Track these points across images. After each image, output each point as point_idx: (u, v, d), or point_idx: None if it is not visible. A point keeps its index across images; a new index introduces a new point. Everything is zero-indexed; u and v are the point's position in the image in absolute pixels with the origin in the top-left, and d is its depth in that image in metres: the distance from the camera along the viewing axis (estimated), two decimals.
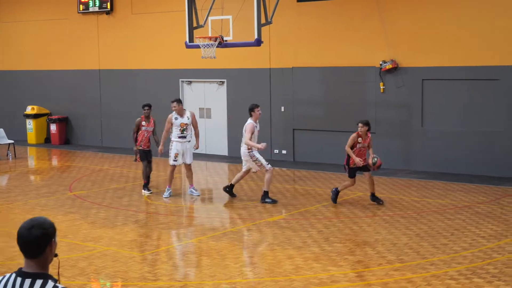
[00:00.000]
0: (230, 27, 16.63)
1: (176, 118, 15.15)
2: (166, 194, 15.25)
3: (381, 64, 18.40)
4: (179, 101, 15.23)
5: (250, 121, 14.44)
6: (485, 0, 17.00)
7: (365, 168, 13.93)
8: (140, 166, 16.74)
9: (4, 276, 3.96)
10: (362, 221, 12.63)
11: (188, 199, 15.36)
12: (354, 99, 19.14)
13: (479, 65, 17.15)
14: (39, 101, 25.75)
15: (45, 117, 25.49)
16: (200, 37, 16.57)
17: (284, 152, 20.58)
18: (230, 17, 16.79)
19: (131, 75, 23.74)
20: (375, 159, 13.77)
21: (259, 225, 12.48)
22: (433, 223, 12.40)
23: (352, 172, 13.96)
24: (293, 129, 20.40)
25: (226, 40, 16.37)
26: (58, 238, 4.02)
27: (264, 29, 16.55)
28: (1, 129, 22.29)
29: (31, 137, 25.51)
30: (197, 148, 15.50)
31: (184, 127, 15.13)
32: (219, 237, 11.69)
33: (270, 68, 20.64)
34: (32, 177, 18.94)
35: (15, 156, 21.81)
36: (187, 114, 15.23)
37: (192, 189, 15.52)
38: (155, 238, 11.85)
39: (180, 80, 22.61)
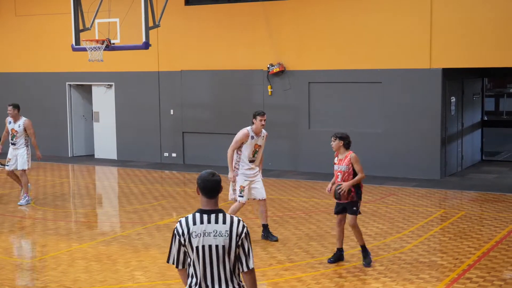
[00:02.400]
0: (118, 30, 16.46)
1: (9, 123, 14.75)
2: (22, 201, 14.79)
3: (268, 67, 18.66)
4: (15, 106, 14.70)
5: (246, 128, 11.38)
6: (368, 7, 17.56)
7: (349, 207, 9.87)
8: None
9: (187, 216, 5.10)
10: (252, 222, 12.75)
11: (78, 205, 15.06)
12: (243, 102, 19.32)
13: (362, 69, 17.71)
14: None
15: None
16: (86, 40, 16.28)
17: (174, 155, 20.52)
18: (117, 19, 16.60)
19: (16, 79, 23.02)
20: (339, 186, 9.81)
21: (149, 229, 12.39)
22: (321, 222, 12.69)
23: (335, 207, 10.14)
24: (183, 132, 20.38)
25: (113, 43, 16.19)
26: None
27: (152, 32, 16.44)
28: None
29: None
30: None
31: (14, 134, 14.68)
32: (109, 241, 11.54)
33: (158, 71, 20.53)
34: None
35: None
36: (20, 121, 14.64)
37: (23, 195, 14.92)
38: (43, 245, 11.55)
39: (67, 83, 22.14)
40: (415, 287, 8.95)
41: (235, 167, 11.19)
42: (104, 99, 21.69)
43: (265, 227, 11.51)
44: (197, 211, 5.09)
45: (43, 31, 22.25)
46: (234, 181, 11.18)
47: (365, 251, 9.93)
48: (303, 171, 18.39)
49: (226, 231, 5.01)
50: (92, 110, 22.16)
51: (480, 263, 9.98)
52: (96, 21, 16.71)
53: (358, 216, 9.98)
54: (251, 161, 11.26)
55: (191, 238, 5.01)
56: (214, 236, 5.00)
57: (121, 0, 17.85)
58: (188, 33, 19.97)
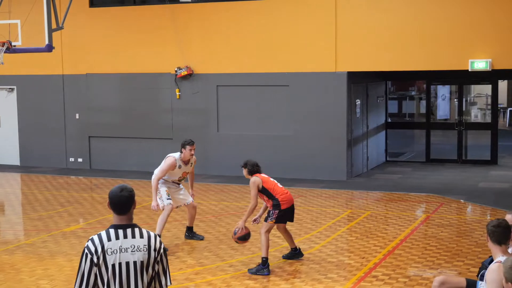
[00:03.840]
0: (19, 32, 15.98)
1: None
2: None
3: (176, 71, 18.55)
4: None
5: (173, 155, 10.87)
6: (275, 11, 17.72)
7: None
8: None
9: (99, 233, 4.79)
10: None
11: None
12: (151, 105, 19.14)
13: (270, 72, 17.86)
14: None
15: None
16: None
17: (80, 160, 20.10)
18: (18, 21, 16.12)
19: None
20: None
21: (55, 236, 12.08)
22: (231, 225, 12.68)
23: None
24: (89, 137, 19.99)
25: (14, 45, 15.71)
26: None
27: (55, 35, 16.06)
28: None
29: None
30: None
31: None
32: (13, 250, 11.17)
33: (63, 75, 20.08)
34: None
35: None
36: None
37: None
38: None
39: None
40: (323, 286, 9.06)
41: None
42: (5, 103, 21.02)
43: (190, 229, 11.68)
44: (111, 227, 4.82)
45: None
46: (157, 210, 10.89)
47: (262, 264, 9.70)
48: (213, 174, 18.36)
49: (145, 245, 4.79)
50: None
51: (385, 261, 10.21)
52: None
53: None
54: (175, 182, 11.18)
55: (106, 255, 4.69)
56: (132, 251, 4.75)
57: (22, 1, 17.40)
58: (94, 35, 19.61)
